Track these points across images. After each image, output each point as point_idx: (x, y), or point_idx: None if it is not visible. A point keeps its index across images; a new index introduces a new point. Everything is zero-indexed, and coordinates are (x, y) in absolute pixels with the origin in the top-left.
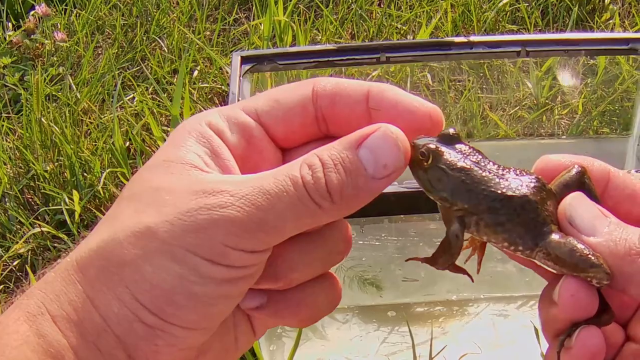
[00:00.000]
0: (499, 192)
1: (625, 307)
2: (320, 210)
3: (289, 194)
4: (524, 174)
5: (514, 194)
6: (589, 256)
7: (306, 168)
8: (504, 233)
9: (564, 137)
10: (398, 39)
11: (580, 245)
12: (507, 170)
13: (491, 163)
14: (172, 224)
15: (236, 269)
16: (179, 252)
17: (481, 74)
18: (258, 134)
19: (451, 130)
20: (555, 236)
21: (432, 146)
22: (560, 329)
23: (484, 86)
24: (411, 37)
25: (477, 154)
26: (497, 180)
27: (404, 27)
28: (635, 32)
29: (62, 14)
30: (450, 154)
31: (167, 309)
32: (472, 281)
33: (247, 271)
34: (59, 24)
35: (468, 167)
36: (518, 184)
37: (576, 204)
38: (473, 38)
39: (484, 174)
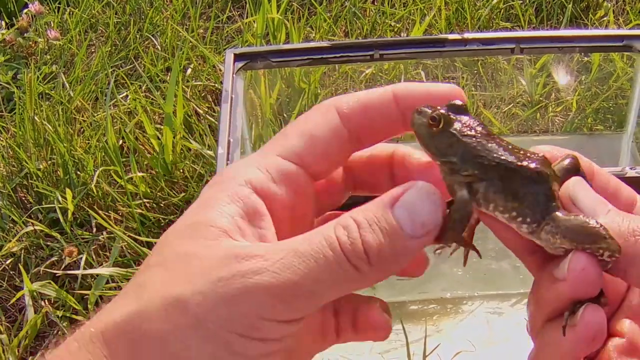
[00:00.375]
0: (513, 160)
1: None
2: (358, 273)
3: (325, 257)
4: (531, 152)
5: (528, 164)
6: (601, 229)
7: (341, 229)
8: (514, 201)
9: (558, 134)
10: (392, 37)
11: (590, 220)
12: (515, 146)
13: (498, 137)
14: (204, 295)
15: (271, 342)
16: (212, 327)
17: (475, 72)
18: (301, 178)
19: (458, 102)
20: (562, 212)
21: (444, 111)
22: (559, 308)
23: (478, 84)
24: (405, 35)
25: (483, 126)
26: (508, 151)
27: (397, 25)
28: (630, 29)
29: (55, 12)
30: (460, 121)
31: None
32: (480, 257)
33: (282, 343)
34: (52, 22)
35: (479, 134)
36: (529, 157)
37: (579, 188)
38: (467, 35)
39: (494, 143)
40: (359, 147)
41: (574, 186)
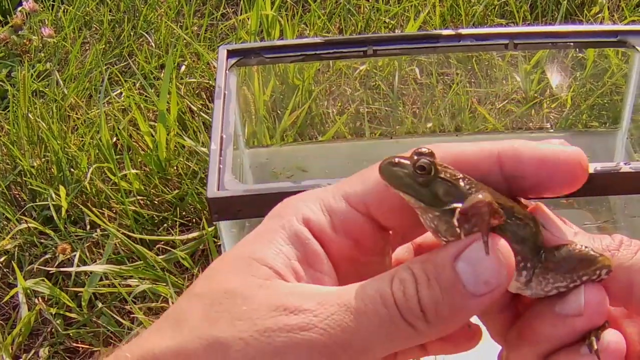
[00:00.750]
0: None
1: None
2: (414, 331)
3: (379, 314)
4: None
5: (521, 206)
6: (590, 250)
7: (398, 283)
8: (517, 245)
9: (553, 130)
10: (387, 32)
11: (574, 245)
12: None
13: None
14: (247, 343)
15: None
16: None
17: (469, 68)
18: (366, 229)
19: (424, 149)
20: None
21: (430, 159)
22: (566, 343)
23: (473, 80)
24: (399, 32)
25: (452, 168)
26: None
27: (392, 22)
28: (625, 24)
29: (49, 10)
30: (441, 167)
31: None
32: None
33: None
34: (46, 20)
35: (463, 177)
36: (515, 200)
37: (546, 215)
38: (461, 30)
39: (477, 185)
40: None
41: (542, 214)
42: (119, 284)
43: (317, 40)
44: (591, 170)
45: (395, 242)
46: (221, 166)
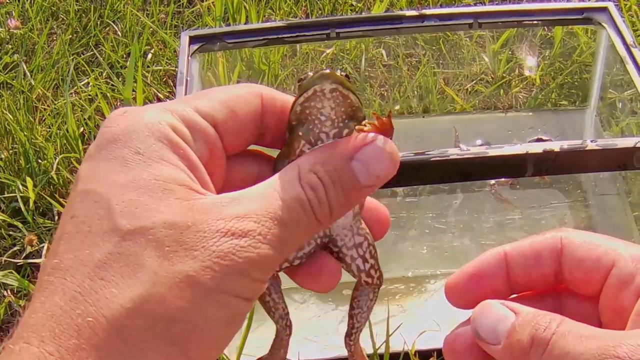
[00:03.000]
0: None
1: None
2: (319, 225)
3: (302, 221)
4: None
5: None
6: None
7: (309, 190)
8: None
9: (522, 110)
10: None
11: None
12: None
13: None
14: (213, 269)
15: (263, 286)
16: (224, 297)
17: (436, 48)
18: (217, 142)
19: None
20: None
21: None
22: None
23: (441, 61)
24: (365, 14)
25: None
26: None
27: (358, 5)
28: (593, 1)
29: (16, 1)
30: None
31: (210, 356)
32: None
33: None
34: (13, 12)
35: None
36: None
37: (479, 316)
38: (424, 11)
39: None
40: (270, 141)
41: (473, 319)
42: None
43: (280, 24)
44: (557, 149)
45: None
46: None
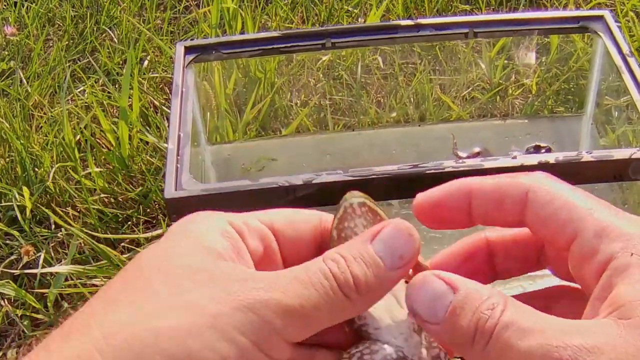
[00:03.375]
0: None
1: None
2: (349, 301)
3: (323, 286)
4: None
5: None
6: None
7: (331, 262)
8: None
9: (519, 117)
10: (349, 23)
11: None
12: None
13: None
14: (219, 301)
15: None
16: (228, 329)
17: (433, 55)
18: (274, 244)
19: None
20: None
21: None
22: None
23: (437, 68)
24: (362, 20)
25: None
26: None
27: (355, 10)
28: (589, 9)
29: (13, 7)
30: None
31: None
32: None
33: None
34: (9, 18)
35: None
36: None
37: (413, 290)
38: (420, 20)
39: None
40: None
41: (409, 295)
42: (85, 283)
43: (275, 34)
44: (553, 160)
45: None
46: (179, 165)
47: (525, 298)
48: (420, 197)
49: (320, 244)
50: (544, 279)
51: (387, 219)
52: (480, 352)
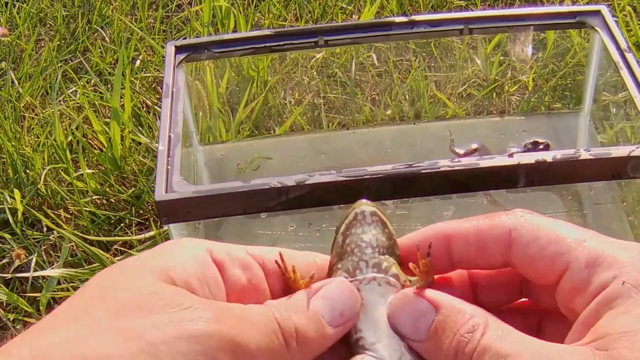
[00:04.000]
0: None
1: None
2: (287, 349)
3: (266, 328)
4: None
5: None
6: None
7: (274, 309)
8: None
9: (515, 114)
10: (343, 20)
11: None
12: None
13: None
14: (161, 329)
15: None
16: (164, 357)
17: (428, 52)
18: (259, 274)
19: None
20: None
21: None
22: None
23: (432, 65)
24: (356, 17)
25: None
26: None
27: (348, 7)
28: (585, 4)
29: (4, 8)
30: None
31: None
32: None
33: None
34: (0, 19)
35: None
36: None
37: (395, 310)
38: (414, 17)
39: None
40: None
41: (391, 314)
42: (77, 287)
43: (268, 32)
44: (550, 159)
45: None
46: (169, 167)
47: (522, 311)
48: (403, 243)
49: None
50: None
51: (394, 232)
52: None
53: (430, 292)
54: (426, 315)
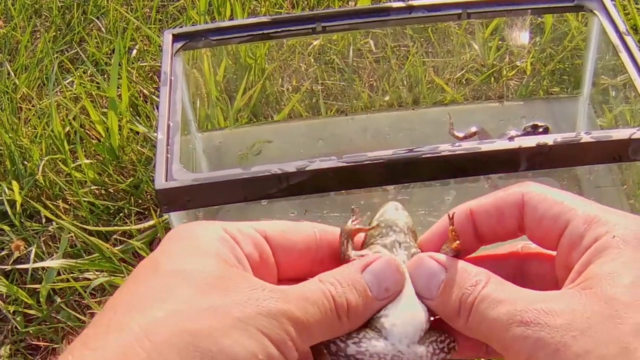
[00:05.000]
0: None
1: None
2: (339, 322)
3: (323, 305)
4: None
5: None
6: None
7: (329, 285)
8: None
9: (514, 99)
10: (340, 6)
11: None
12: None
13: None
14: (244, 306)
15: None
16: (253, 331)
17: (425, 38)
18: (268, 251)
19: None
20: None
21: None
22: None
23: (429, 50)
24: (353, 4)
25: None
26: None
27: None
28: None
29: None
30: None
31: None
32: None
33: None
34: None
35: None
36: None
37: (412, 270)
38: (412, 2)
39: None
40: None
41: (410, 273)
42: (77, 277)
43: (265, 19)
44: (551, 142)
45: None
46: (169, 155)
47: (502, 259)
48: (424, 236)
49: (315, 253)
50: None
51: (415, 230)
52: (464, 325)
53: (440, 256)
54: (437, 274)
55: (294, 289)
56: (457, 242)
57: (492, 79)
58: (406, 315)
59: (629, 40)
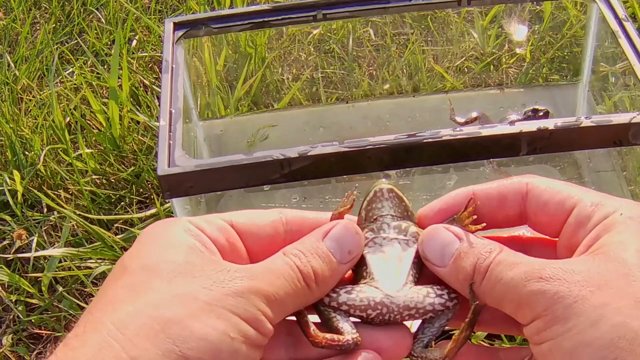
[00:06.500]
0: None
1: None
2: (309, 291)
3: (290, 276)
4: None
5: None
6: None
7: (293, 257)
8: None
9: (513, 86)
10: None
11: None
12: None
13: None
14: (210, 289)
15: (261, 338)
16: (222, 311)
17: (425, 26)
18: (235, 236)
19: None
20: None
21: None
22: None
23: (429, 38)
24: None
25: None
26: None
27: None
28: None
29: None
30: None
31: None
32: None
33: (263, 345)
34: None
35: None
36: None
37: (426, 239)
38: None
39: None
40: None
41: (422, 242)
42: (79, 266)
43: (266, 7)
44: (552, 127)
45: None
46: (171, 142)
47: (504, 242)
48: (423, 209)
49: (285, 236)
50: None
51: (409, 205)
52: (477, 288)
53: (455, 227)
54: (451, 243)
55: (259, 266)
56: (473, 217)
57: (492, 66)
58: (391, 273)
59: (628, 26)
